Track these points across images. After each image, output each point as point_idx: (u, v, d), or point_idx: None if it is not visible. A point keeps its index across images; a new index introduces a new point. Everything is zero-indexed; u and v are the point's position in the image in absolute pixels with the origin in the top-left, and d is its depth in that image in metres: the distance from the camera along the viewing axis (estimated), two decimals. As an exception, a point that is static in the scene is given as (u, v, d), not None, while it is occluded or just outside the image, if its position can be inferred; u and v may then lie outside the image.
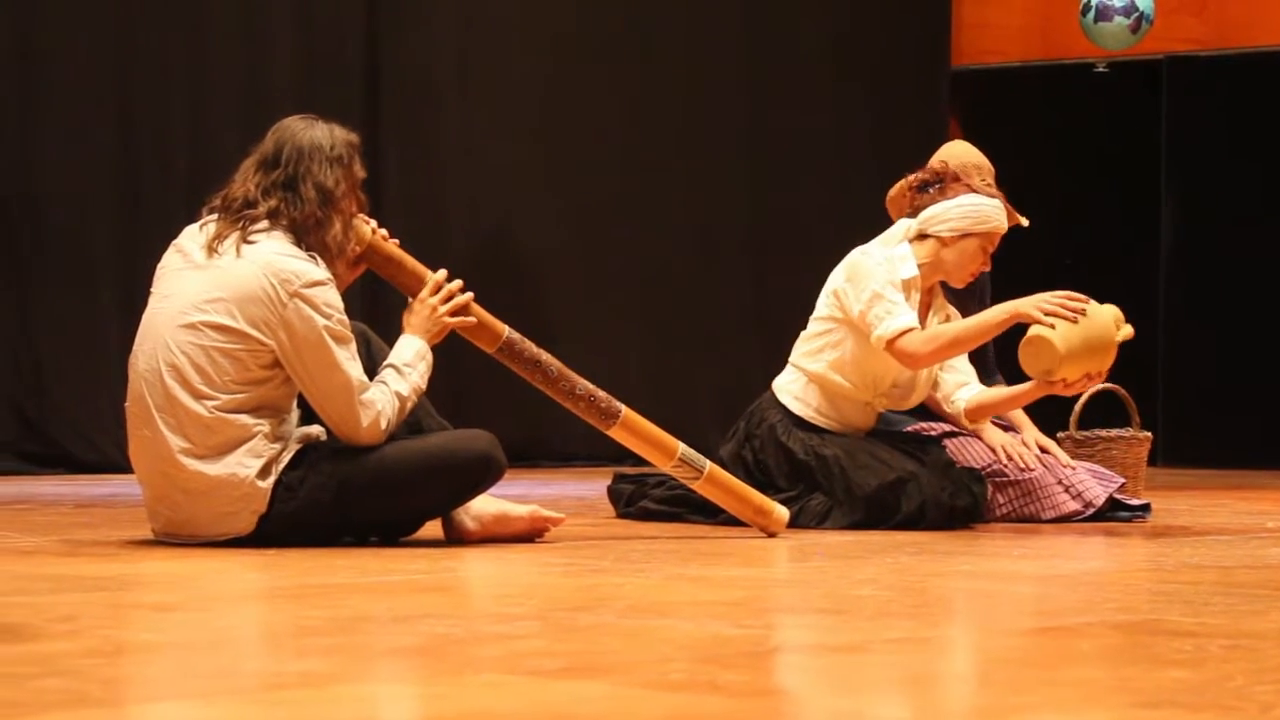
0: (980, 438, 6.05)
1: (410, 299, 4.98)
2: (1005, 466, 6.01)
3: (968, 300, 6.11)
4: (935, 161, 6.30)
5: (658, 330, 10.04)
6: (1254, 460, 10.15)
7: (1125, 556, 5.12)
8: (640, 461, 5.51)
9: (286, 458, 4.69)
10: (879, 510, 5.65)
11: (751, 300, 10.45)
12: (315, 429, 4.81)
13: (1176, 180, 10.86)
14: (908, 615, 3.72)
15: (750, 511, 5.36)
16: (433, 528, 4.96)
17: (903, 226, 5.84)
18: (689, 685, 2.74)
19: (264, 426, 4.67)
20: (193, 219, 4.86)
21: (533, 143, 9.66)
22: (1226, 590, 4.08)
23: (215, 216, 4.77)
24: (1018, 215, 6.31)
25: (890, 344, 5.63)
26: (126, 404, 4.75)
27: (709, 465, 5.29)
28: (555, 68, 9.76)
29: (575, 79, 9.83)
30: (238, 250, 4.67)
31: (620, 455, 6.91)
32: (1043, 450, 6.10)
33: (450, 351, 5.32)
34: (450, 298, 4.96)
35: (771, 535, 5.34)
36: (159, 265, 4.82)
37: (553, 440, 9.29)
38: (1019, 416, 6.23)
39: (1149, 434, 6.64)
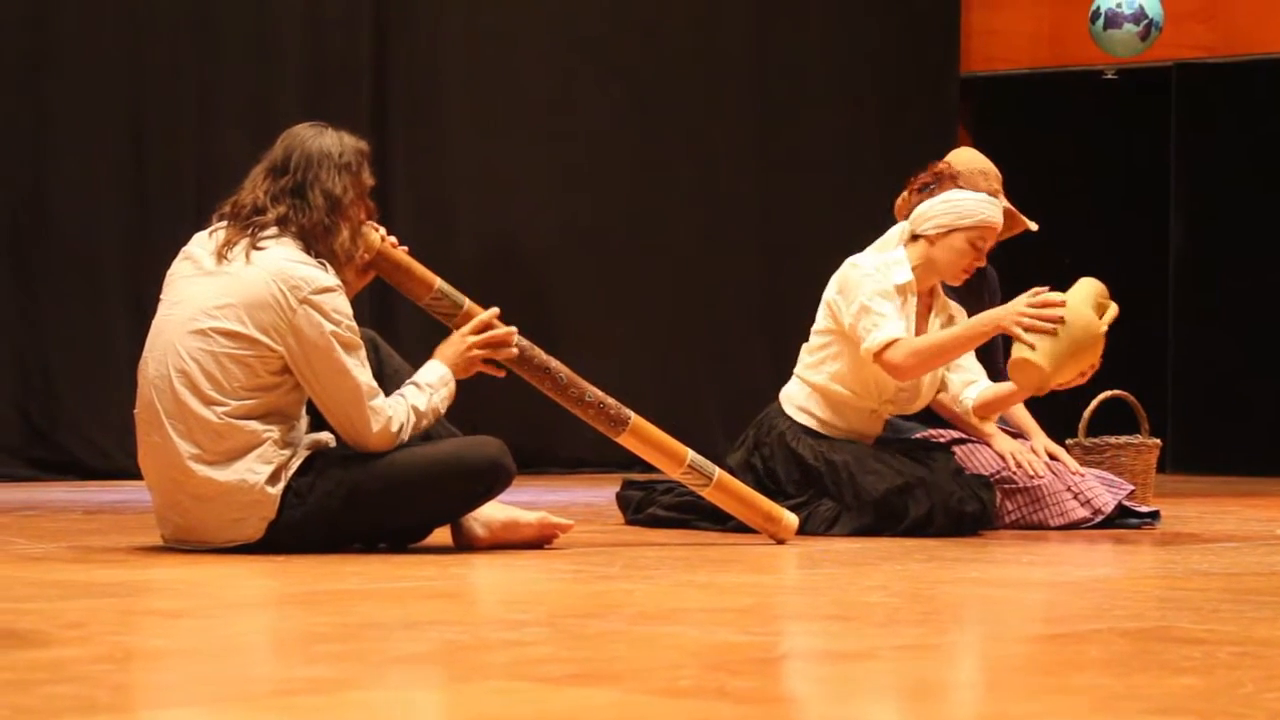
0: (989, 444, 6.05)
1: (448, 328, 5.01)
2: (1014, 473, 6.00)
3: (973, 300, 6.11)
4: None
5: (666, 337, 10.04)
6: (1263, 467, 10.14)
7: (1134, 563, 5.11)
8: (649, 468, 5.51)
9: (296, 464, 4.70)
10: (887, 515, 5.65)
11: (760, 307, 10.45)
12: (325, 435, 4.82)
13: (1185, 187, 10.85)
14: (916, 622, 3.72)
15: (759, 518, 5.36)
16: (441, 534, 4.96)
17: (899, 230, 5.84)
18: (698, 692, 2.74)
19: (273, 433, 4.67)
20: (202, 226, 4.87)
21: (540, 150, 9.66)
22: (1235, 597, 4.08)
23: (224, 223, 4.77)
24: (1025, 220, 6.31)
25: (877, 356, 5.63)
26: (136, 410, 4.76)
27: (718, 472, 5.29)
28: (563, 74, 9.77)
29: (584, 86, 9.83)
30: (247, 257, 4.68)
31: (629, 462, 6.93)
32: (1051, 457, 6.10)
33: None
34: (492, 342, 4.97)
35: (780, 542, 5.34)
36: (168, 272, 4.83)
37: (561, 447, 9.29)
38: (1028, 423, 6.23)
39: (1158, 441, 6.63)
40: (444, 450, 4.83)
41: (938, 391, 5.94)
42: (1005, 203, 6.31)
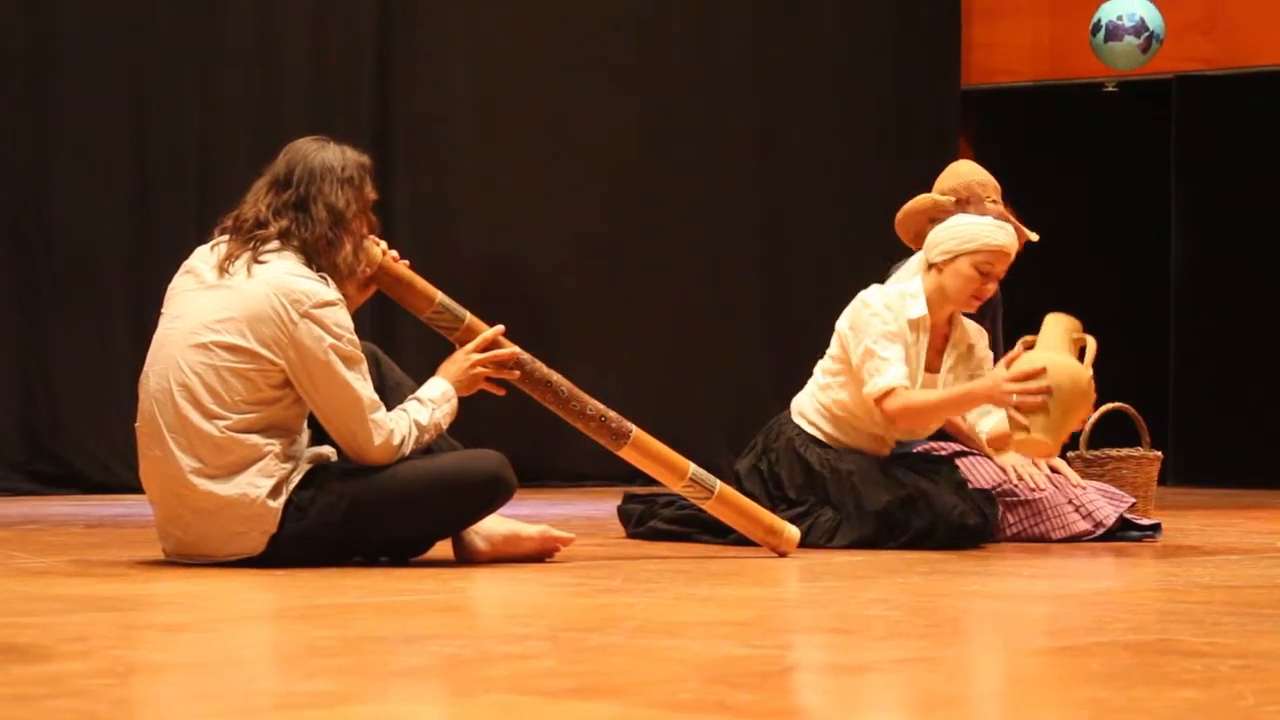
0: (991, 457, 6.05)
1: (453, 345, 5.01)
2: (1015, 486, 6.00)
3: (976, 318, 6.11)
4: (945, 187, 6.30)
5: (668, 351, 10.04)
6: (1264, 480, 10.14)
7: (1135, 576, 5.11)
8: (650, 481, 5.51)
9: (297, 478, 4.70)
10: (889, 526, 5.65)
11: (763, 322, 10.45)
12: (326, 449, 4.82)
13: (1186, 199, 10.86)
14: (918, 635, 3.72)
15: (761, 531, 5.36)
16: (443, 548, 4.96)
17: (918, 259, 5.82)
18: (699, 705, 2.74)
19: (275, 446, 4.67)
20: (204, 240, 4.87)
21: (541, 165, 9.67)
22: (1237, 610, 4.08)
23: (226, 237, 4.78)
24: (1026, 230, 6.31)
25: (876, 401, 5.64)
26: (137, 424, 4.76)
27: (719, 485, 5.30)
28: (565, 90, 9.78)
29: (585, 101, 9.84)
30: (249, 270, 4.68)
31: (630, 475, 6.92)
32: (1053, 470, 6.10)
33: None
34: (495, 361, 4.98)
35: (782, 555, 5.34)
36: (170, 286, 4.83)
37: (563, 460, 9.29)
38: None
39: (1159, 453, 6.63)
40: (445, 464, 4.84)
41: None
42: (1009, 215, 6.33)
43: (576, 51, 9.82)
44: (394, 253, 5.01)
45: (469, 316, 5.06)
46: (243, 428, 4.64)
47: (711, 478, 5.30)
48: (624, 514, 6.12)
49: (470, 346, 5.01)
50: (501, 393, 5.13)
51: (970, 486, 5.83)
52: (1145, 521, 6.18)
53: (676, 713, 2.68)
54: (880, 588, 4.55)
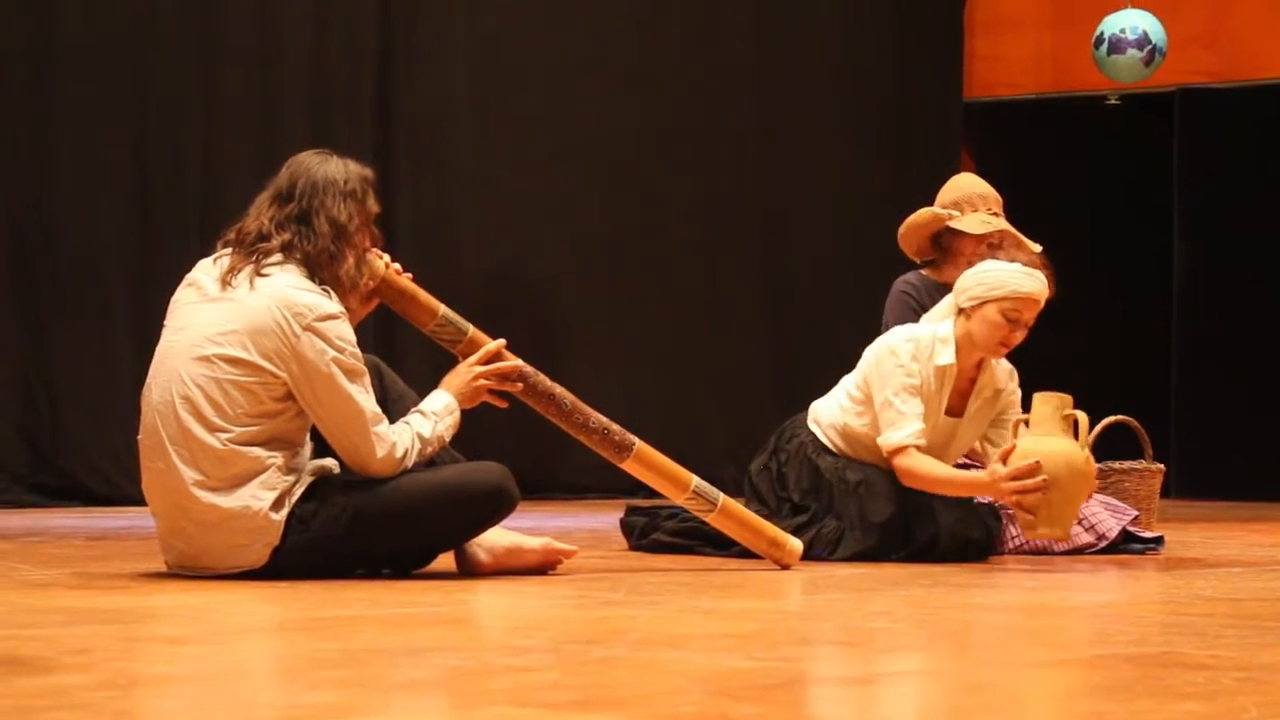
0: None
1: (456, 357, 5.01)
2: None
3: None
4: (945, 200, 6.30)
5: (671, 362, 10.05)
6: (1267, 492, 10.14)
7: (1138, 589, 5.11)
8: (653, 494, 5.51)
9: (299, 490, 4.70)
10: (892, 538, 5.65)
11: (765, 332, 10.46)
12: (329, 461, 4.82)
13: (1189, 212, 10.86)
14: (921, 648, 3.72)
15: (764, 544, 5.36)
16: (445, 560, 4.96)
17: (949, 302, 5.77)
18: (701, 718, 2.74)
19: (277, 459, 4.67)
20: (207, 252, 4.87)
21: (545, 174, 9.68)
22: (1239, 623, 4.08)
23: (229, 250, 4.78)
24: (1029, 243, 6.31)
25: (889, 454, 5.63)
26: (140, 436, 4.76)
27: (722, 498, 5.30)
28: (568, 98, 9.79)
29: (586, 111, 9.85)
30: (251, 283, 4.68)
31: (633, 488, 6.92)
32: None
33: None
34: (498, 374, 4.99)
35: (785, 568, 5.34)
36: (173, 298, 4.83)
37: (565, 472, 9.29)
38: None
39: (1162, 466, 6.63)
40: (447, 476, 4.84)
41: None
42: (1011, 228, 6.33)
43: (577, 55, 9.83)
44: (397, 265, 5.01)
45: (471, 329, 5.06)
46: (245, 440, 4.64)
47: (715, 490, 5.30)
48: (627, 526, 6.12)
49: (473, 359, 5.01)
50: (504, 405, 5.13)
51: (974, 499, 5.83)
52: (1148, 534, 6.17)
53: (679, 725, 2.68)
54: (883, 600, 4.55)
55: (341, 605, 4.21)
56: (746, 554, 5.47)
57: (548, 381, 5.12)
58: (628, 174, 10.00)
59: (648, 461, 5.20)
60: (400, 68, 9.20)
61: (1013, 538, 5.99)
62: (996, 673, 3.42)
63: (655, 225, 10.06)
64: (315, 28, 8.90)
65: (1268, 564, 5.78)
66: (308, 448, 4.82)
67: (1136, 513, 6.21)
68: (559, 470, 9.25)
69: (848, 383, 5.87)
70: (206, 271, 4.79)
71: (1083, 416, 5.41)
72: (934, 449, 5.73)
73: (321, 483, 4.74)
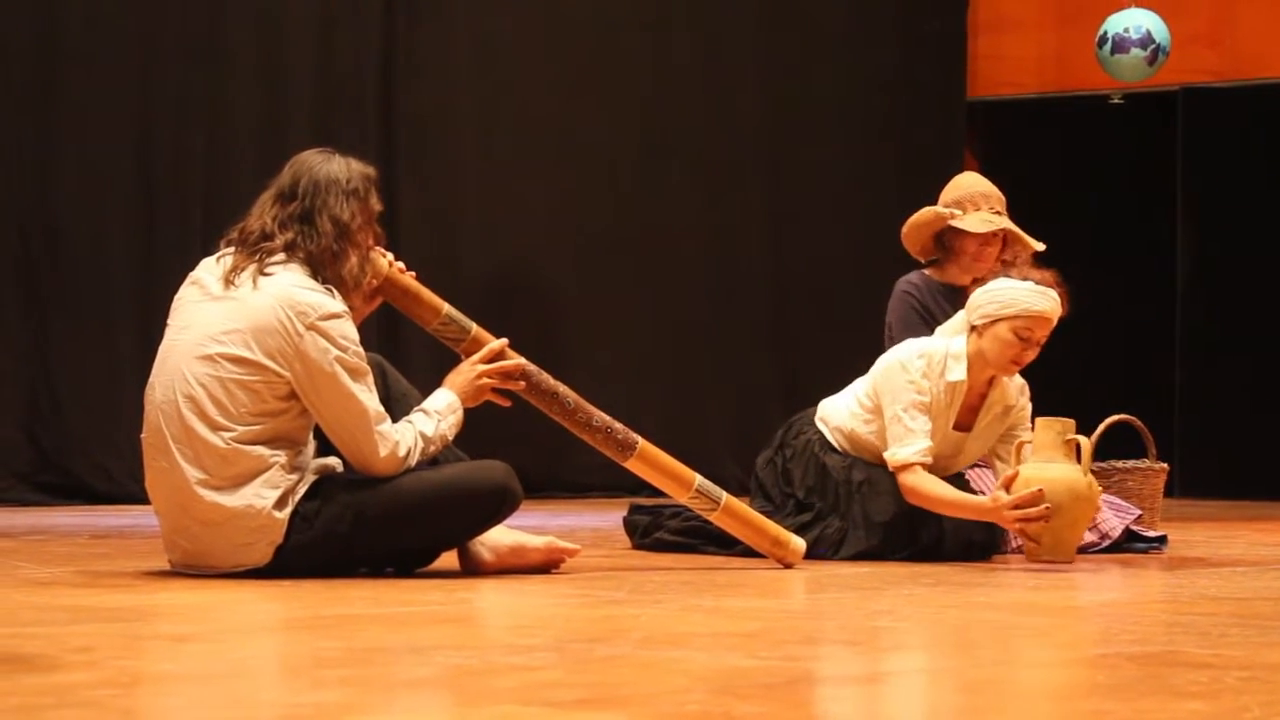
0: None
1: (459, 355, 5.02)
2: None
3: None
4: (948, 199, 6.30)
5: (674, 361, 10.05)
6: (1271, 492, 10.13)
7: (1142, 588, 5.11)
8: (656, 492, 5.51)
9: (303, 489, 4.70)
10: (895, 538, 5.65)
11: (768, 332, 10.46)
12: (332, 460, 4.82)
13: (1192, 211, 10.85)
14: (924, 647, 3.72)
15: (767, 543, 5.36)
16: (448, 559, 4.96)
17: (963, 317, 5.75)
18: (705, 716, 2.74)
19: (280, 458, 4.68)
20: (209, 252, 4.87)
21: (548, 174, 9.68)
22: (1243, 622, 4.08)
23: (232, 249, 4.78)
24: (1031, 241, 6.31)
25: (894, 470, 5.62)
26: (143, 435, 4.76)
27: (725, 497, 5.30)
28: (571, 101, 9.79)
29: (590, 112, 9.85)
30: (254, 282, 4.68)
31: (636, 486, 6.92)
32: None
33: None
34: (501, 372, 4.99)
35: (788, 566, 5.34)
36: (176, 297, 4.84)
37: (568, 471, 9.29)
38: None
39: (1165, 465, 6.63)
40: (451, 475, 4.84)
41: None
42: (1013, 226, 6.33)
43: (581, 55, 9.83)
44: (400, 264, 5.01)
45: (475, 328, 5.06)
46: (248, 439, 4.65)
47: (718, 489, 5.30)
48: (630, 525, 6.12)
49: (476, 357, 5.01)
50: (507, 404, 5.13)
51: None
52: (1151, 533, 6.17)
53: (682, 724, 2.69)
54: (886, 599, 4.55)
55: (345, 604, 4.21)
56: (750, 553, 5.47)
57: (551, 380, 5.12)
58: (631, 174, 10.00)
59: (651, 460, 5.20)
60: (403, 67, 9.19)
61: (1016, 537, 5.98)
62: (1000, 672, 3.42)
63: (658, 225, 10.06)
64: (319, 28, 8.91)
65: (1271, 563, 5.78)
66: (311, 446, 4.82)
67: (1140, 512, 6.21)
68: (562, 469, 9.25)
69: (858, 388, 5.85)
70: (210, 270, 4.79)
71: (1085, 441, 5.40)
72: (940, 461, 5.72)
73: (325, 481, 4.74)
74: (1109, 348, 11.20)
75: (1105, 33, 9.65)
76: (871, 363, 5.85)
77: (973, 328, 5.66)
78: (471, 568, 4.95)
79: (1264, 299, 10.68)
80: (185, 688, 3.04)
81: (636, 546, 6.01)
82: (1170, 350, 10.92)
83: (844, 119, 10.77)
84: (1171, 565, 5.67)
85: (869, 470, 5.76)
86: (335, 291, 4.73)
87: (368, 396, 4.71)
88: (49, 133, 8.14)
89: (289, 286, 4.67)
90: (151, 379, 4.76)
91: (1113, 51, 9.59)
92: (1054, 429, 5.43)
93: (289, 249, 4.72)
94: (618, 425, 5.17)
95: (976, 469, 6.05)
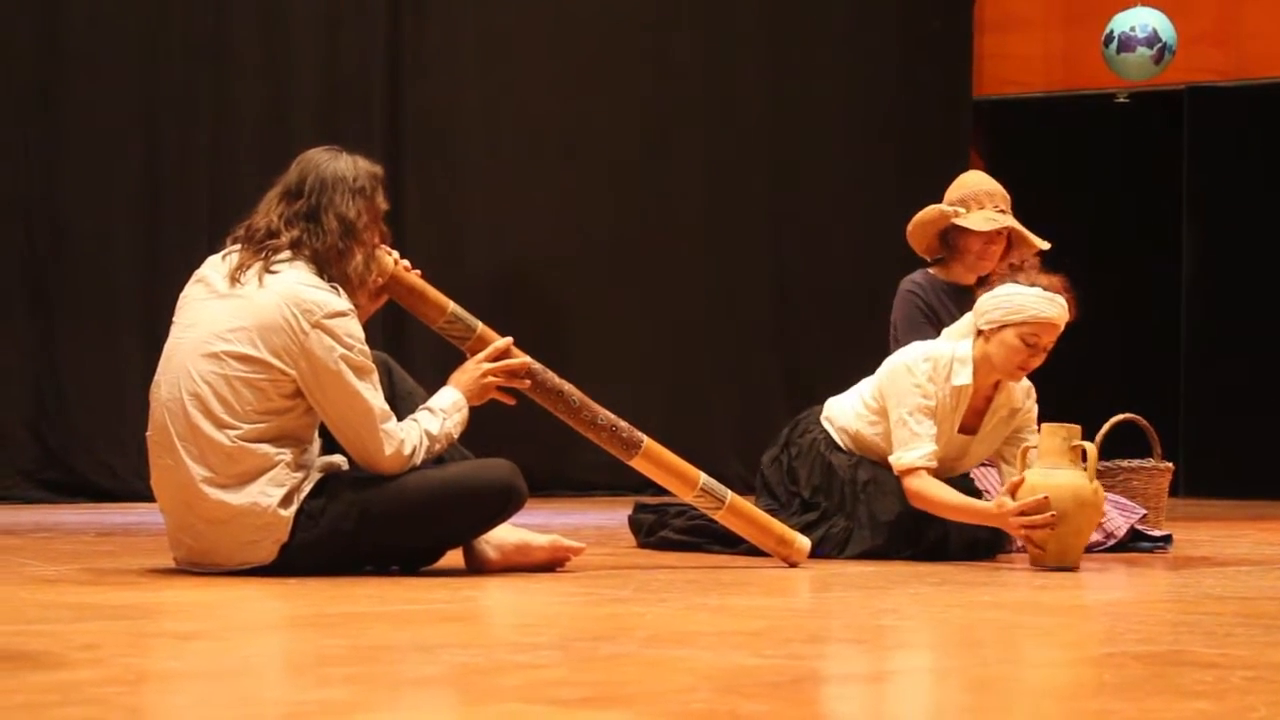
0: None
1: (464, 353, 5.02)
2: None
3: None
4: (952, 197, 6.30)
5: (678, 360, 10.05)
6: (1276, 491, 10.13)
7: (1147, 587, 5.11)
8: (661, 491, 5.51)
9: (308, 487, 4.70)
10: (900, 537, 5.64)
11: (773, 330, 10.46)
12: (338, 458, 4.82)
13: (1198, 210, 10.85)
14: (930, 645, 3.72)
15: (772, 542, 5.36)
16: (453, 557, 4.96)
17: (968, 321, 5.74)
18: (710, 715, 2.74)
19: (286, 456, 4.68)
20: (215, 249, 4.87)
21: (553, 172, 9.68)
22: (1248, 621, 4.08)
23: (238, 246, 4.78)
24: (1036, 240, 6.31)
25: (900, 474, 5.62)
26: (148, 433, 4.76)
27: (730, 495, 5.30)
28: (576, 99, 9.79)
29: (596, 110, 9.85)
30: (260, 280, 4.68)
31: (641, 485, 6.92)
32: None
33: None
34: (506, 371, 4.99)
35: (793, 565, 5.34)
36: (181, 294, 4.84)
37: (574, 470, 9.29)
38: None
39: (1170, 464, 6.63)
40: (456, 473, 4.84)
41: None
42: (1018, 224, 6.32)
43: (586, 54, 9.83)
44: (405, 262, 5.01)
45: (480, 326, 5.06)
46: (254, 437, 4.65)
47: (722, 488, 5.30)
48: (635, 524, 6.12)
49: (481, 356, 5.01)
50: (512, 402, 5.13)
51: (985, 498, 5.82)
52: (1156, 533, 6.17)
53: (688, 722, 2.69)
54: (891, 598, 4.55)
55: (350, 602, 4.21)
56: (755, 551, 5.47)
57: (556, 378, 5.12)
58: (636, 173, 10.00)
59: (656, 459, 5.20)
60: (409, 66, 9.20)
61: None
62: (1005, 671, 3.42)
63: (663, 223, 10.06)
64: (325, 26, 8.91)
65: (1277, 563, 5.77)
66: (316, 444, 4.82)
67: (1145, 511, 6.21)
68: (567, 467, 9.25)
69: (864, 390, 5.85)
70: (215, 268, 4.79)
71: (1091, 447, 5.39)
72: (946, 463, 5.72)
73: (330, 479, 4.74)
74: (1113, 346, 11.20)
75: (1111, 31, 9.65)
76: (876, 362, 5.85)
77: (979, 332, 5.65)
78: (476, 566, 4.95)
79: (1269, 298, 10.68)
80: (190, 685, 3.04)
81: (641, 545, 6.01)
82: (1175, 349, 10.91)
83: (849, 118, 10.77)
84: (1177, 565, 5.67)
85: (874, 469, 5.76)
86: (341, 289, 4.73)
87: (373, 395, 4.71)
88: (54, 131, 8.14)
89: (295, 284, 4.67)
90: (157, 377, 4.76)
91: (1119, 50, 9.59)
92: (1059, 435, 5.42)
93: (295, 247, 4.72)
94: (623, 423, 5.17)
95: (981, 466, 6.05)
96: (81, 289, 8.17)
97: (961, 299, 6.21)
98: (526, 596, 4.52)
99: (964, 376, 5.64)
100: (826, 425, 5.90)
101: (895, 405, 5.65)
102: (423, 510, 4.75)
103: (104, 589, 4.44)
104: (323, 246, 4.72)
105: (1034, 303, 5.57)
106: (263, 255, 4.72)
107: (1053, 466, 5.39)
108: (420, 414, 4.85)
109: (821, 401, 6.02)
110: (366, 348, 4.73)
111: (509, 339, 5.06)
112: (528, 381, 5.05)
